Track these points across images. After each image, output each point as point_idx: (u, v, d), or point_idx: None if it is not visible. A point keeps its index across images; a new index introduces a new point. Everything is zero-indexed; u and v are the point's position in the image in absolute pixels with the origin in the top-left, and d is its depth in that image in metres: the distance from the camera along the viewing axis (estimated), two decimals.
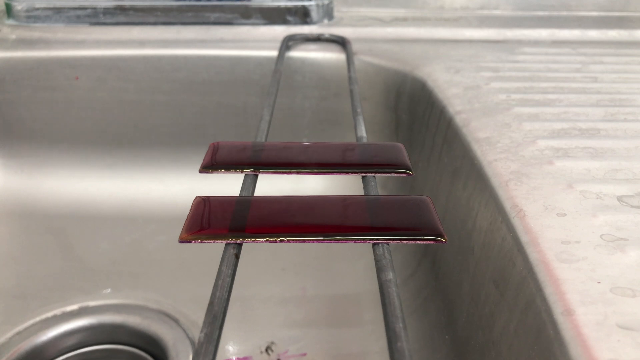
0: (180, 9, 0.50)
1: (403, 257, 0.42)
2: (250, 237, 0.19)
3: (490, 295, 0.24)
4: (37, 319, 0.39)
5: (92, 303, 0.40)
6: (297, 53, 0.48)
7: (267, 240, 0.19)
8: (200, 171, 0.25)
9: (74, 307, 0.40)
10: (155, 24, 0.50)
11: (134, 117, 0.49)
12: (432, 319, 0.34)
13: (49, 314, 0.39)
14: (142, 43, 0.49)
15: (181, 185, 0.49)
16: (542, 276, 0.20)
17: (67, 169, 0.49)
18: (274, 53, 0.46)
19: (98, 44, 0.49)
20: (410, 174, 0.25)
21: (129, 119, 0.49)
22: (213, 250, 0.24)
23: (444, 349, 0.31)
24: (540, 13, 0.56)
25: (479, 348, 0.25)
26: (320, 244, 0.20)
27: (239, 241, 0.19)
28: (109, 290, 0.41)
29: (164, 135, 0.49)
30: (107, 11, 0.50)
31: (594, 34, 0.51)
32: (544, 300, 0.19)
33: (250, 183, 0.24)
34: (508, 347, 0.22)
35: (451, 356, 0.29)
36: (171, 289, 0.41)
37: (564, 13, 0.56)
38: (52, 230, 0.47)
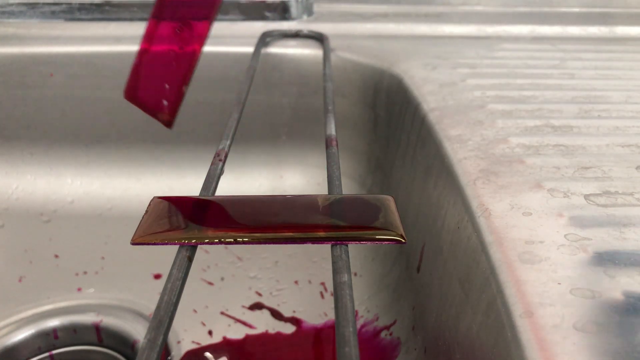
0: None
1: (384, 253, 0.41)
2: (205, 239, 0.19)
3: (457, 295, 0.24)
4: (9, 319, 0.38)
5: (66, 303, 0.40)
6: (276, 49, 0.47)
7: (222, 242, 0.19)
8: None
9: (47, 307, 0.39)
10: (131, 19, 0.49)
11: (110, 115, 0.48)
12: (406, 317, 0.33)
13: (22, 315, 0.38)
14: (118, 39, 0.48)
15: (158, 183, 0.48)
16: (503, 277, 0.19)
17: (42, 167, 0.49)
18: (252, 49, 0.46)
19: (73, 40, 0.48)
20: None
21: (105, 116, 0.48)
22: None
23: (416, 348, 0.30)
24: (522, 9, 0.56)
25: (446, 349, 0.24)
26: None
27: (192, 243, 0.19)
28: (92, 290, 0.41)
29: (140, 133, 0.48)
30: (82, 7, 0.49)
31: (574, 30, 0.51)
32: (504, 301, 0.19)
33: (211, 182, 0.23)
34: (471, 349, 0.21)
35: (422, 357, 0.29)
36: (146, 289, 0.40)
37: (546, 9, 0.56)
38: (26, 229, 0.46)
